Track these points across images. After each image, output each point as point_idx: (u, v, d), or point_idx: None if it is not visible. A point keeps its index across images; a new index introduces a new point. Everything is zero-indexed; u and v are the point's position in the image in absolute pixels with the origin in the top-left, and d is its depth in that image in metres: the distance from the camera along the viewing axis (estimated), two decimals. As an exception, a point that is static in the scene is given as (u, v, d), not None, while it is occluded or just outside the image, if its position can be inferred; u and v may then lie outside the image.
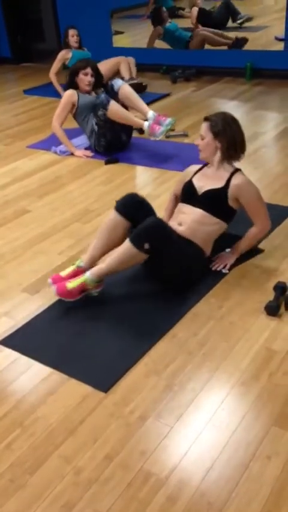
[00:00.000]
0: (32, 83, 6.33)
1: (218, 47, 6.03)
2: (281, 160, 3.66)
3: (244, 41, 5.87)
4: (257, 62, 5.69)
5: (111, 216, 2.34)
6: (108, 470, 1.55)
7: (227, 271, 2.41)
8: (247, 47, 5.88)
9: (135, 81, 5.21)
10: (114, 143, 3.89)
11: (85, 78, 3.91)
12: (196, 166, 2.54)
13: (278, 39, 5.69)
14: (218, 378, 1.86)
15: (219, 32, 6.03)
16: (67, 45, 5.52)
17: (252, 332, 2.06)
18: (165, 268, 2.28)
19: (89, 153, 3.98)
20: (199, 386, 1.82)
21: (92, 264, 2.33)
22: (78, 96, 3.92)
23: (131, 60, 5.55)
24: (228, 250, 2.48)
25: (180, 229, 2.35)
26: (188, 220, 2.35)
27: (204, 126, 2.39)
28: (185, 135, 4.18)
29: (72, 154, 4.00)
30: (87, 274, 2.21)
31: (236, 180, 2.34)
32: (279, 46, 5.61)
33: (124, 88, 3.83)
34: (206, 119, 2.41)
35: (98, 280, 2.23)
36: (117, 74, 5.40)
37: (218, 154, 2.39)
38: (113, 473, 1.54)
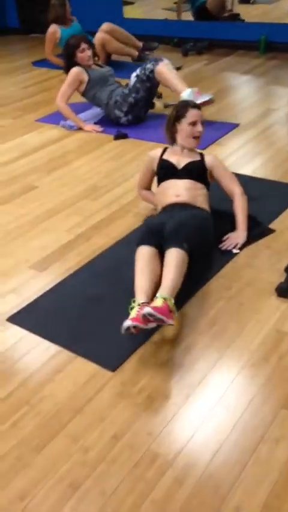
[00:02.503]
0: (41, 54, 6.18)
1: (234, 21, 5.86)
2: (295, 138, 3.57)
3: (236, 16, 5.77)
4: (271, 35, 5.51)
5: (144, 253, 2.10)
6: (115, 451, 1.54)
7: (238, 251, 2.37)
8: (261, 19, 5.70)
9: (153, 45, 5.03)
10: (137, 107, 3.83)
11: (84, 55, 3.85)
12: (156, 152, 2.59)
13: (292, 11, 5.52)
14: (227, 358, 1.83)
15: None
16: (56, 21, 5.23)
17: (262, 313, 2.02)
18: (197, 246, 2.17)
19: (98, 127, 3.91)
20: (208, 367, 1.80)
21: (150, 298, 1.98)
22: (87, 72, 3.85)
23: (112, 28, 5.08)
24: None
25: (180, 199, 2.37)
26: (182, 190, 2.40)
27: (200, 113, 2.49)
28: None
29: (80, 128, 3.93)
30: (162, 294, 1.90)
31: (208, 157, 2.52)
32: (295, 19, 5.44)
33: (159, 68, 3.73)
34: (197, 106, 2.51)
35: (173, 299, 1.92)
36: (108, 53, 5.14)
37: None
38: (120, 453, 1.53)
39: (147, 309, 1.78)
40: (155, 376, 1.78)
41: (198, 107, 2.51)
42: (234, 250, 2.37)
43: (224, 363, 1.81)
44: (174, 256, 2.03)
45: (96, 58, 4.02)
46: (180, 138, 2.50)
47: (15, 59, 6.27)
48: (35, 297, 2.19)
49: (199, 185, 2.44)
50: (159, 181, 2.52)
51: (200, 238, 2.23)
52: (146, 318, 1.79)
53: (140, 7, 6.62)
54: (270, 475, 1.45)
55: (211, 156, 2.54)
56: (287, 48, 5.45)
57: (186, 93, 3.68)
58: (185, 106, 2.50)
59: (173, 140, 2.55)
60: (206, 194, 2.47)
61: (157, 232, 2.16)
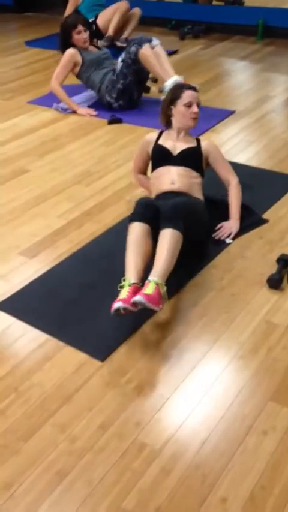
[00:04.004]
0: (35, 34, 6.08)
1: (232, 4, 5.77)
2: (290, 127, 3.54)
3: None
4: (269, 20, 5.44)
5: (137, 229, 2.07)
6: (103, 440, 1.54)
7: (231, 241, 2.36)
8: (259, 3, 5.62)
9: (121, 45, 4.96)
10: (127, 93, 3.77)
11: (80, 37, 3.76)
12: (152, 136, 2.53)
13: (292, -4, 5.44)
14: (216, 349, 1.83)
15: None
16: None
17: (253, 304, 2.02)
18: (194, 231, 2.18)
19: (92, 111, 3.85)
20: (197, 358, 1.80)
21: (140, 280, 1.97)
22: (81, 54, 3.78)
23: (136, 12, 5.12)
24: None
25: (175, 186, 2.34)
26: (177, 177, 2.36)
27: (196, 95, 2.43)
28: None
29: (74, 112, 3.87)
30: (154, 279, 1.87)
31: (204, 142, 2.48)
32: (294, 3, 5.36)
33: (143, 53, 3.63)
34: (193, 87, 2.45)
35: (165, 283, 1.92)
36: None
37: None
38: (107, 443, 1.53)
39: (138, 298, 1.78)
40: (144, 366, 1.77)
41: (194, 88, 2.43)
42: (228, 240, 2.36)
43: (213, 354, 1.81)
44: (169, 238, 2.00)
45: (95, 40, 3.93)
46: (175, 120, 2.44)
47: (7, 39, 6.14)
48: (24, 284, 2.17)
49: (194, 173, 2.39)
50: (154, 167, 2.47)
51: (195, 224, 2.19)
52: (136, 304, 1.80)
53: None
54: (256, 466, 1.46)
55: (207, 142, 2.49)
56: (285, 34, 5.39)
57: (170, 81, 3.63)
58: (180, 87, 2.45)
59: (168, 124, 2.49)
60: (200, 183, 2.43)
61: (151, 210, 2.13)
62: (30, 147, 3.42)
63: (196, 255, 2.27)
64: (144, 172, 2.64)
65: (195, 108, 2.40)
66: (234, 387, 1.69)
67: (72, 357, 1.82)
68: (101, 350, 1.83)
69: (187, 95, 2.39)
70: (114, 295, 2.07)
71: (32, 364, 1.80)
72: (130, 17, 5.09)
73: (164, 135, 2.50)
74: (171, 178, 2.35)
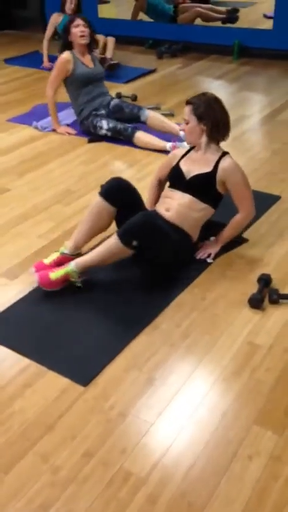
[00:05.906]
0: (14, 51, 6.09)
1: (208, 23, 5.87)
2: (266, 146, 3.60)
3: (235, 12, 5.72)
4: (245, 40, 5.56)
5: (95, 201, 2.29)
6: (87, 469, 1.51)
7: (212, 261, 2.36)
8: (235, 24, 5.74)
9: (113, 62, 5.03)
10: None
11: (77, 30, 3.58)
12: (182, 150, 2.50)
13: (266, 17, 5.57)
14: (200, 372, 1.82)
15: (211, 6, 5.87)
16: (61, 10, 5.16)
17: (235, 325, 2.02)
18: (153, 256, 2.22)
19: (71, 130, 3.85)
20: (181, 381, 1.79)
21: (76, 250, 2.31)
22: (74, 61, 3.62)
23: (111, 40, 5.21)
24: (212, 238, 2.43)
25: (168, 214, 2.31)
26: (175, 206, 2.31)
27: (187, 110, 2.33)
28: (171, 115, 4.06)
29: (54, 130, 3.86)
30: (72, 265, 2.14)
31: (223, 164, 2.31)
32: (268, 24, 5.49)
33: (151, 117, 3.65)
34: (188, 102, 2.34)
35: (81, 272, 2.16)
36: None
37: (204, 138, 2.34)
38: (91, 472, 1.50)
39: (37, 278, 2.14)
40: (127, 391, 1.75)
41: (187, 102, 2.34)
42: (209, 260, 2.37)
43: (196, 377, 1.80)
44: (108, 242, 2.12)
45: (95, 49, 3.83)
46: None
47: (-14, 55, 6.12)
48: (5, 307, 2.13)
49: (200, 205, 2.29)
50: (169, 185, 2.44)
51: (156, 245, 2.17)
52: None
53: (115, 7, 6.57)
54: (242, 493, 1.44)
55: (228, 164, 2.29)
56: (260, 54, 5.51)
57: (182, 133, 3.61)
58: None
59: None
60: (204, 216, 2.32)
61: (121, 193, 2.21)
62: (9, 165, 3.39)
63: (173, 276, 2.27)
64: (163, 182, 2.53)
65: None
66: (219, 410, 1.68)
67: (54, 382, 1.79)
68: (83, 375, 1.80)
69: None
70: (97, 318, 2.06)
71: (13, 391, 1.76)
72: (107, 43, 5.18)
73: (192, 150, 2.41)
74: (170, 205, 2.31)
